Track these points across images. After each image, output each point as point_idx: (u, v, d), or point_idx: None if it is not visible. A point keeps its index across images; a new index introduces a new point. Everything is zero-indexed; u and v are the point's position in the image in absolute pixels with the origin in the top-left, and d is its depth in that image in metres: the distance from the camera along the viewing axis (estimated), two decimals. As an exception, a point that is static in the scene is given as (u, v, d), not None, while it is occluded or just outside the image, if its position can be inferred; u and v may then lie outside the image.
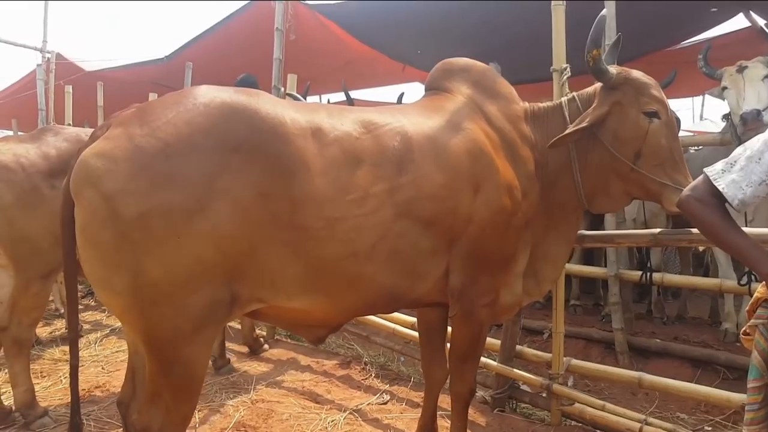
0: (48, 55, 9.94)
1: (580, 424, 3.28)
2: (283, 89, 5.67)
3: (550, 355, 3.36)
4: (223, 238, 1.83)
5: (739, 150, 1.68)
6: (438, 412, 2.95)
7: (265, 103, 2.02)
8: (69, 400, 3.60)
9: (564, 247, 2.78)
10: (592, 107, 2.49)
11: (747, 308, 1.71)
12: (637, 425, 2.90)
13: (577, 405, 3.21)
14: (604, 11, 2.47)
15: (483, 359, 3.62)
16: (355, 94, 10.86)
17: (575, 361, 3.38)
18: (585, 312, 5.99)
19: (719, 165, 1.69)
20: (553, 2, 3.21)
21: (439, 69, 2.74)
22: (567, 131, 2.43)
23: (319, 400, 3.72)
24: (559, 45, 3.22)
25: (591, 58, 2.39)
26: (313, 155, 2.02)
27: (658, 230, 2.90)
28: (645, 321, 5.51)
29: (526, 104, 2.71)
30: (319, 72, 8.27)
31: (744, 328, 1.70)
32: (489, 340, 3.64)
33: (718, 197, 1.65)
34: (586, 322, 5.34)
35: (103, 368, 4.46)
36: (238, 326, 5.57)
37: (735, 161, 1.65)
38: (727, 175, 1.64)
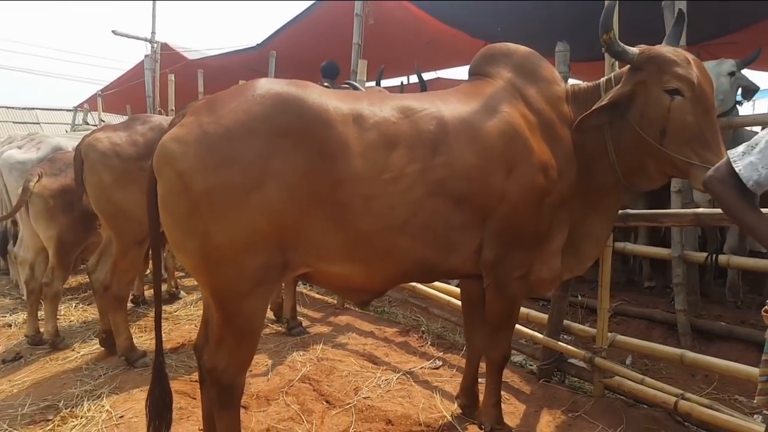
0: (155, 46, 10.86)
1: (622, 397, 3.38)
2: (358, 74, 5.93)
3: (595, 330, 3.45)
4: (274, 211, 2.13)
5: (762, 133, 1.74)
6: (481, 379, 3.17)
7: (311, 93, 2.29)
8: (169, 349, 4.20)
9: (604, 226, 2.85)
10: (616, 87, 2.54)
11: None
12: (673, 399, 2.97)
13: (616, 378, 3.31)
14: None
15: (530, 332, 3.79)
16: (439, 73, 11.05)
17: (620, 337, 3.45)
18: (656, 294, 5.89)
19: (741, 147, 1.75)
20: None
21: (482, 55, 2.87)
22: (586, 113, 2.50)
23: (376, 361, 4.06)
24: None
25: (604, 42, 2.45)
26: (354, 139, 2.26)
27: (701, 210, 2.92)
28: (716, 304, 5.35)
29: (568, 86, 2.80)
30: (399, 55, 8.48)
31: (766, 306, 1.76)
32: (537, 314, 3.80)
33: (738, 178, 1.71)
34: (652, 303, 5.29)
35: (196, 326, 5.00)
36: (314, 294, 6.04)
37: (756, 144, 1.70)
38: (747, 157, 1.70)
